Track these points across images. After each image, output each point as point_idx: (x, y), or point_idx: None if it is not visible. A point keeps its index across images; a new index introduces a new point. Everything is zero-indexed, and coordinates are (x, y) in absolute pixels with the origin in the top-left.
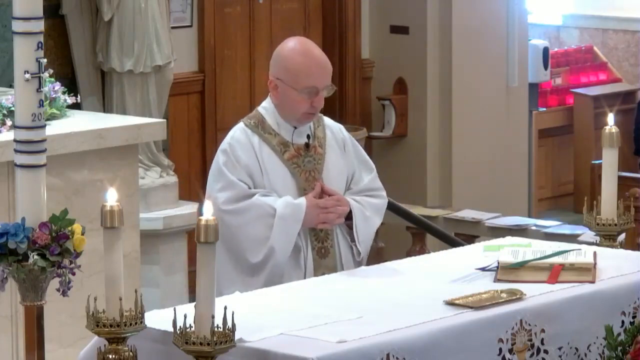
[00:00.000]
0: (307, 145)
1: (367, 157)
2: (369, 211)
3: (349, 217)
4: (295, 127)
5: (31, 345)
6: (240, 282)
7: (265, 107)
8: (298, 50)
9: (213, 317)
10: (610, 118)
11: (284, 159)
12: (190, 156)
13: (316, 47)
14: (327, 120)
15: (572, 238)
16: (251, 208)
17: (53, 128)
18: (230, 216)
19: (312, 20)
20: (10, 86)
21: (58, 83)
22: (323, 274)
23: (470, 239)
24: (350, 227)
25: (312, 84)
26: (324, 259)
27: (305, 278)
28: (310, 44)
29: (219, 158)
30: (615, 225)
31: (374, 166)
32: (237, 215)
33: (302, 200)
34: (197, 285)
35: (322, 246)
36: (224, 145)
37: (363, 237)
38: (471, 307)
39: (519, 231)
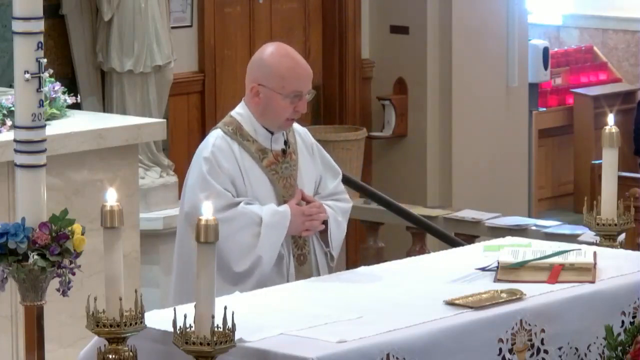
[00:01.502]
0: (284, 151)
1: (333, 162)
2: (340, 216)
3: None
4: (272, 134)
5: (31, 345)
6: (223, 292)
7: (241, 114)
8: (281, 55)
9: (213, 317)
10: (610, 118)
11: (262, 166)
12: (190, 156)
13: (297, 53)
14: (295, 125)
15: (572, 238)
16: (237, 217)
17: (53, 128)
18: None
19: (312, 20)
20: (10, 86)
21: (58, 83)
22: None
23: (470, 239)
24: (322, 233)
25: (298, 89)
26: (302, 266)
27: None
28: (291, 49)
29: (201, 166)
30: (615, 225)
31: (339, 170)
32: (224, 225)
33: (287, 208)
34: (197, 285)
35: (301, 253)
36: (205, 152)
37: (336, 242)
38: (471, 307)
39: (519, 231)
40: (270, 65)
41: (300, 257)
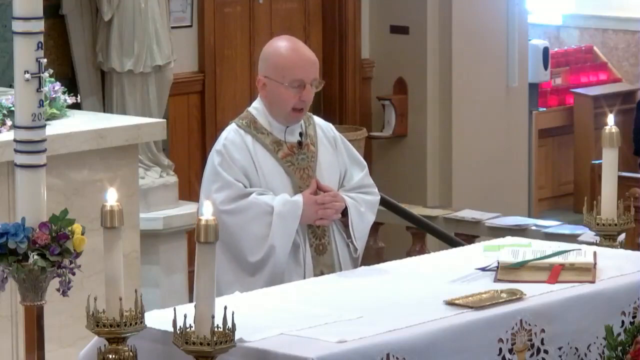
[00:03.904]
0: (299, 143)
1: (359, 155)
2: (363, 207)
3: (344, 213)
4: (287, 126)
5: (31, 345)
6: (240, 283)
7: (256, 107)
8: (283, 47)
9: (213, 317)
10: (610, 118)
11: (277, 157)
12: (190, 156)
13: (302, 44)
14: (317, 119)
15: (572, 238)
16: (249, 207)
17: (53, 128)
18: (229, 216)
19: (312, 20)
20: (10, 86)
21: (58, 83)
22: (321, 271)
23: (470, 239)
24: (345, 224)
25: (298, 77)
26: (322, 256)
27: (304, 275)
28: (296, 40)
29: (213, 159)
30: (615, 225)
31: (365, 163)
32: (235, 215)
33: (299, 197)
34: (196, 285)
35: (320, 243)
36: (217, 146)
37: (359, 234)
38: (471, 307)
39: (519, 231)
40: (272, 57)
41: (319, 246)
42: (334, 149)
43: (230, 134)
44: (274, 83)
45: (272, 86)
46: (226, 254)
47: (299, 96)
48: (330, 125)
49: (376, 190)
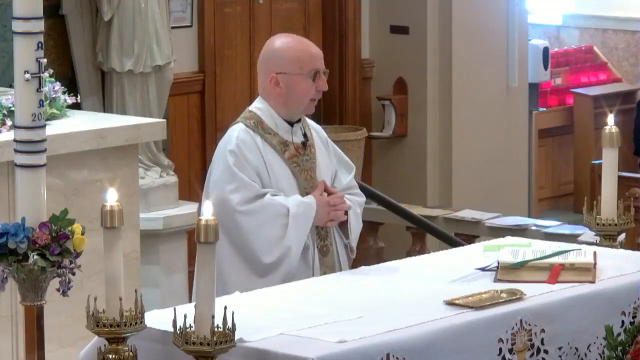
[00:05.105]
0: (304, 144)
1: (345, 157)
2: (358, 209)
3: None
4: (292, 126)
5: (31, 345)
6: (251, 284)
7: (260, 108)
8: (292, 41)
9: (213, 317)
10: (610, 118)
11: (285, 158)
12: (190, 156)
13: (301, 37)
14: (309, 120)
15: (572, 238)
16: (265, 208)
17: (53, 128)
18: (245, 217)
19: (312, 20)
20: (10, 86)
21: (58, 83)
22: (324, 272)
23: (470, 239)
24: (341, 225)
25: (316, 66)
26: (325, 257)
27: (312, 277)
28: (295, 35)
29: (227, 159)
30: (615, 225)
31: (353, 165)
32: (252, 216)
33: (312, 199)
34: (196, 285)
35: (324, 244)
36: (229, 146)
37: (355, 235)
38: (471, 307)
39: (519, 231)
40: (284, 52)
41: (323, 248)
42: (327, 150)
43: (241, 134)
44: (291, 76)
45: (289, 80)
46: (238, 255)
47: (315, 86)
48: (319, 126)
49: (360, 191)
